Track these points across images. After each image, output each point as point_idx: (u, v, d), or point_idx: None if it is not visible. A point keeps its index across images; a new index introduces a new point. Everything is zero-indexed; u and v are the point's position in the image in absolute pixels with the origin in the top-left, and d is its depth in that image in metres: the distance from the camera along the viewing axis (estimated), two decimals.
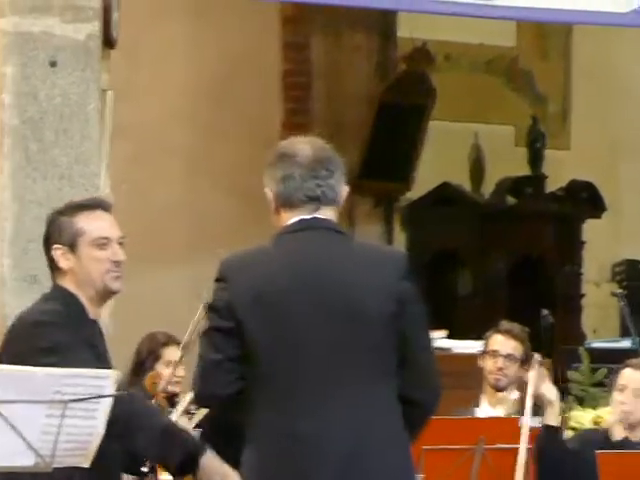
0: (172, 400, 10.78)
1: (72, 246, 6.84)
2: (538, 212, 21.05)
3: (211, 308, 6.21)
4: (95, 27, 11.92)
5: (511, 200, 21.03)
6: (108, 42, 12.04)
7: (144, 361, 11.79)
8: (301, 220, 5.75)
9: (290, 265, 5.79)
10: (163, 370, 11.35)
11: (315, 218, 5.82)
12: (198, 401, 7.33)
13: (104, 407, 5.97)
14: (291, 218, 5.82)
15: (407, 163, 19.71)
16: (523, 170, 21.07)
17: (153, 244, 16.28)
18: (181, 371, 10.80)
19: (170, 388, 10.88)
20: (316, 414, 5.93)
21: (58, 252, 6.45)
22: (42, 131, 11.77)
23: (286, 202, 5.81)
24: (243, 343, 5.77)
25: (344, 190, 5.79)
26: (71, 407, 5.68)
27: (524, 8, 15.01)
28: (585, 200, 20.97)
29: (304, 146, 5.56)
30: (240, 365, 6.04)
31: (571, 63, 21.72)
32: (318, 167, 5.62)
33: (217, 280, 5.99)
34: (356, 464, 5.96)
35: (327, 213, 5.93)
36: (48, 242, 7.20)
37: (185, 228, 17.78)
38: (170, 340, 11.79)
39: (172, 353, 11.31)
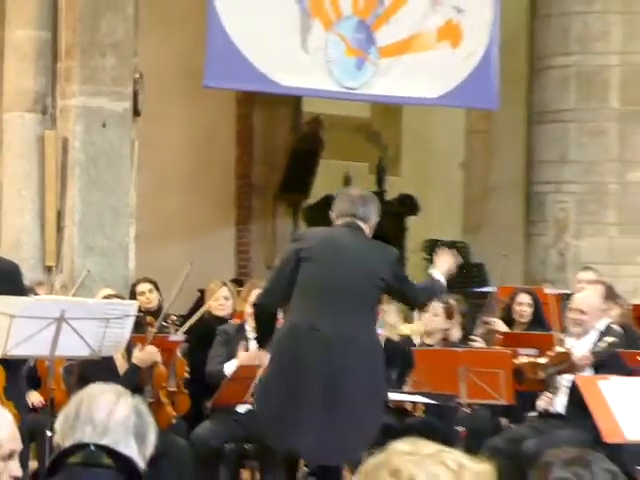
0: (155, 314, 10.18)
1: None
2: (384, 212, 19.71)
3: (285, 251, 8.36)
4: (128, 104, 12.18)
5: None
6: (136, 112, 12.44)
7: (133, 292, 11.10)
8: (345, 224, 7.99)
9: (334, 241, 8.07)
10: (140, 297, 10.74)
11: (354, 224, 7.97)
12: (259, 301, 8.52)
13: (130, 322, 7.93)
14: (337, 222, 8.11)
15: (307, 183, 19.00)
16: (373, 188, 19.87)
17: (163, 234, 15.74)
18: (155, 301, 10.81)
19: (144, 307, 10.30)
20: (329, 318, 7.57)
21: None
22: (97, 164, 11.81)
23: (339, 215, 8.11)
24: (297, 271, 7.78)
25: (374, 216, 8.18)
26: (111, 322, 7.64)
27: (372, 95, 15.33)
28: (408, 205, 20.25)
29: (354, 192, 8.23)
30: (287, 287, 8.04)
31: (402, 127, 20.87)
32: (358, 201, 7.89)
33: (294, 239, 8.46)
34: (348, 352, 7.63)
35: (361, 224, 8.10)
36: None
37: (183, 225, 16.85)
38: (142, 280, 11.49)
39: (142, 287, 11.05)
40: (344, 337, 7.55)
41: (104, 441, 3.44)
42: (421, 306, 9.09)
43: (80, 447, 3.45)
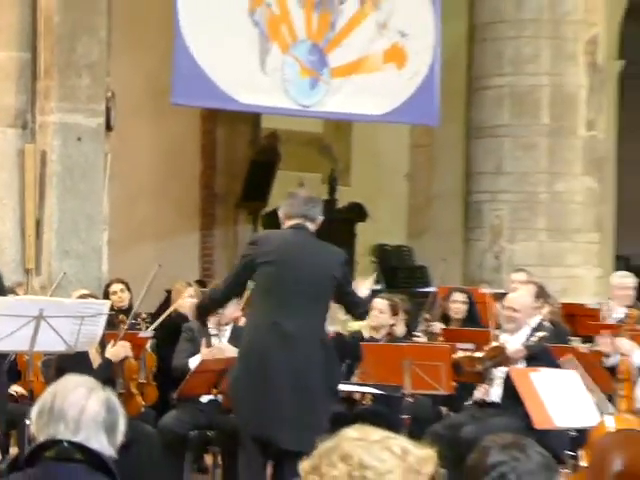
0: (126, 312, 10.17)
1: None
2: (333, 218, 19.70)
3: (244, 255, 8.22)
4: (102, 120, 12.10)
5: None
6: (109, 128, 12.33)
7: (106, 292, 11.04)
8: (296, 225, 7.84)
9: (290, 242, 7.92)
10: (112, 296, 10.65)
11: (304, 226, 7.83)
12: (215, 296, 8.70)
13: (103, 319, 7.98)
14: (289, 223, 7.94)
15: (266, 192, 18.80)
16: (325, 197, 19.63)
17: (133, 239, 15.63)
18: (126, 300, 10.83)
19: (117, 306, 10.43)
20: (289, 315, 7.54)
21: None
22: (72, 175, 11.72)
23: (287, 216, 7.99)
24: (255, 272, 7.78)
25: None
26: (86, 319, 7.65)
27: (325, 112, 15.45)
28: (357, 212, 20.29)
29: (302, 194, 7.93)
30: (241, 288, 8.49)
31: (351, 141, 20.88)
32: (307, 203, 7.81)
33: (251, 243, 8.19)
34: (307, 346, 7.67)
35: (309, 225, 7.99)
36: None
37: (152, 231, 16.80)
38: (115, 280, 11.46)
39: (115, 287, 11.03)
40: (304, 333, 7.56)
41: (76, 438, 3.46)
42: (361, 314, 9.02)
43: (54, 442, 3.47)
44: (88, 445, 3.46)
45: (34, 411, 3.61)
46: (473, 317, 12.02)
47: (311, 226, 8.04)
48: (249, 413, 7.64)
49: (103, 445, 3.52)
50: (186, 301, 10.53)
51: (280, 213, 8.19)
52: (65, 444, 3.45)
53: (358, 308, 8.66)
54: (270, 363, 7.56)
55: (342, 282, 7.94)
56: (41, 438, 3.52)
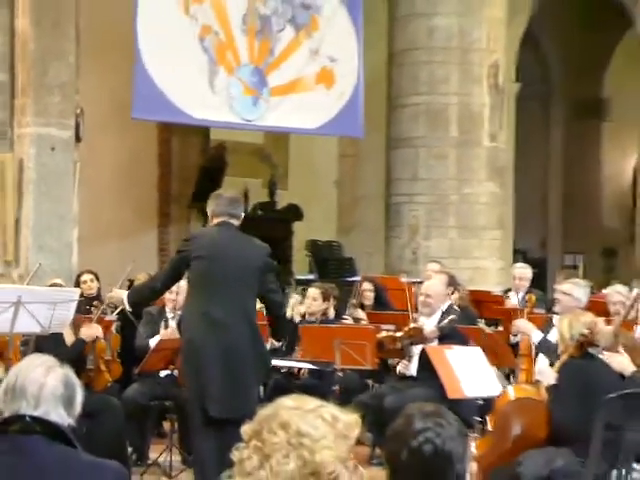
0: (94, 299, 10.16)
1: None
2: (273, 218, 19.54)
3: (179, 251, 7.97)
4: (72, 132, 12.01)
5: (261, 212, 19.24)
6: (78, 139, 12.23)
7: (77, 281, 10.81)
8: (224, 222, 7.62)
9: (220, 238, 7.65)
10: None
11: (231, 223, 7.65)
12: (153, 285, 8.31)
13: (73, 305, 7.98)
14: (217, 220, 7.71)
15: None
16: (266, 199, 19.63)
17: (99, 236, 15.40)
18: (95, 288, 10.65)
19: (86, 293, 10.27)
20: (218, 304, 7.38)
21: None
22: (46, 181, 11.64)
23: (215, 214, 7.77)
24: (190, 266, 7.57)
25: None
26: (58, 305, 7.63)
27: (265, 126, 15.53)
28: (294, 212, 20.15)
29: (227, 194, 7.77)
30: (175, 280, 8.18)
31: (289, 151, 20.36)
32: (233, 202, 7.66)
33: (185, 240, 8.02)
34: (235, 329, 7.53)
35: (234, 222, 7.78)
36: None
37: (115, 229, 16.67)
38: (86, 271, 11.11)
39: (85, 277, 10.77)
40: (232, 318, 7.48)
41: (37, 412, 3.47)
42: (277, 315, 8.89)
43: (18, 417, 3.48)
44: (48, 418, 3.47)
45: (0, 390, 3.62)
46: (381, 302, 12.06)
47: (236, 222, 7.91)
48: (194, 390, 7.59)
49: (62, 417, 3.54)
50: None
51: (208, 212, 8.04)
52: (27, 418, 3.47)
53: (279, 309, 8.54)
54: (203, 346, 7.49)
55: (266, 272, 7.85)
56: (6, 414, 3.53)
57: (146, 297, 8.62)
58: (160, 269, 9.40)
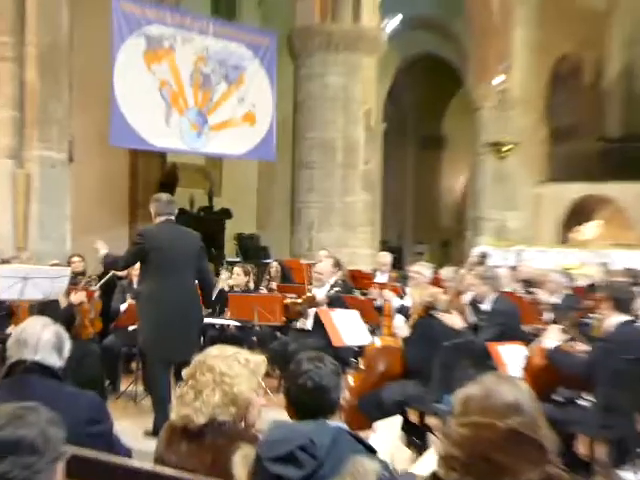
0: (81, 274, 10.09)
1: None
2: (211, 218, 18.49)
3: (136, 243, 7.64)
4: (66, 154, 11.62)
5: (202, 213, 18.47)
6: (71, 159, 11.87)
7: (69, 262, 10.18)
8: (166, 220, 7.43)
9: (166, 232, 7.38)
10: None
11: (171, 219, 7.49)
12: (119, 262, 8.01)
13: (66, 279, 7.96)
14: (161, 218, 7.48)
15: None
16: (206, 204, 19.54)
17: (85, 230, 14.81)
18: (81, 267, 10.34)
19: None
20: (170, 282, 7.22)
21: None
22: (47, 190, 11.12)
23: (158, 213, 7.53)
24: (147, 255, 7.26)
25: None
26: (55, 279, 7.68)
27: (206, 152, 15.60)
28: (226, 213, 19.97)
29: (164, 197, 7.56)
30: (135, 262, 7.82)
31: (223, 169, 20.71)
32: (170, 203, 7.47)
33: (140, 235, 7.60)
34: (184, 298, 7.43)
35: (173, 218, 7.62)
36: None
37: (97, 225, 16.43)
38: (75, 254, 10.69)
39: (75, 259, 10.42)
40: (183, 289, 7.39)
41: (36, 358, 3.53)
42: (208, 289, 8.78)
43: (22, 361, 3.53)
44: (44, 362, 3.54)
45: (9, 341, 3.66)
46: (286, 278, 11.95)
47: (173, 218, 7.76)
48: (155, 341, 7.45)
49: (55, 360, 3.59)
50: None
51: (151, 211, 7.74)
52: (28, 363, 3.52)
53: (209, 286, 8.47)
54: (164, 312, 7.35)
55: (201, 255, 7.75)
56: (14, 359, 3.57)
57: (112, 268, 8.60)
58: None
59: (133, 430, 6.68)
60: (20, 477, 1.95)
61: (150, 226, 7.71)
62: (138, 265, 8.79)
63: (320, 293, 9.33)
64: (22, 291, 7.29)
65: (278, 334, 9.90)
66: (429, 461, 3.06)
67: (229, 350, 3.16)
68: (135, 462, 3.03)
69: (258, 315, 9.51)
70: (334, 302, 8.99)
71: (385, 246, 19.38)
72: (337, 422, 2.82)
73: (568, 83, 22.41)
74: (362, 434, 3.01)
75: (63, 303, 8.41)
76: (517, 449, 2.13)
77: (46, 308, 7.40)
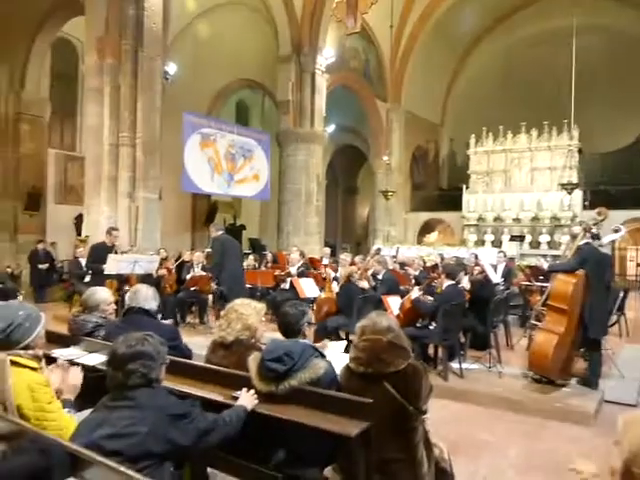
0: (165, 260, 9.49)
1: None
2: (235, 229, 18.10)
3: (218, 245, 7.26)
4: (157, 196, 10.33)
5: (230, 227, 18.19)
6: (160, 198, 10.69)
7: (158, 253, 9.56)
8: (222, 232, 7.49)
9: (229, 239, 7.53)
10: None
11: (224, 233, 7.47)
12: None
13: (156, 264, 7.83)
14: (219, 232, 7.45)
15: (212, 220, 18.87)
16: (232, 221, 19.39)
17: (169, 236, 14.99)
18: (164, 256, 9.57)
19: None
20: (238, 267, 7.39)
21: None
22: (148, 215, 9.96)
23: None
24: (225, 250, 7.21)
25: None
26: (151, 263, 7.61)
27: (232, 194, 15.09)
28: (243, 227, 18.73)
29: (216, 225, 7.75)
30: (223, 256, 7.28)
31: (242, 204, 19.90)
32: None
33: (216, 240, 7.38)
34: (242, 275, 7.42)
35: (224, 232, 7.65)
36: None
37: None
38: (161, 249, 9.89)
39: (161, 252, 9.71)
40: (241, 271, 7.64)
41: (144, 305, 3.35)
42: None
43: (134, 307, 3.35)
44: (146, 307, 3.36)
45: (127, 295, 3.47)
46: (275, 261, 11.23)
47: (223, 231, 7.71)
48: (230, 292, 7.00)
49: (153, 306, 3.40)
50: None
51: (212, 229, 7.63)
52: (138, 307, 3.35)
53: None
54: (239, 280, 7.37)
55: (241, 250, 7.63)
56: (132, 304, 3.39)
57: (216, 267, 7.68)
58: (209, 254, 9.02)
59: (194, 342, 6.49)
60: (144, 371, 2.05)
61: (218, 235, 7.47)
62: (198, 253, 8.71)
63: (293, 270, 9.16)
64: (133, 268, 7.08)
65: (271, 292, 9.68)
66: (335, 349, 3.13)
67: (246, 301, 3.07)
68: (195, 362, 2.94)
69: (261, 280, 9.44)
70: (300, 275, 8.84)
71: (327, 245, 19.00)
72: (305, 340, 2.69)
73: (421, 160, 23.13)
74: (318, 346, 2.90)
75: (156, 275, 8.24)
76: (393, 351, 2.32)
77: (145, 278, 7.21)
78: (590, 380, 5.14)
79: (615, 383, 5.42)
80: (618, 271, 18.63)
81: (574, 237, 5.39)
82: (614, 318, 7.58)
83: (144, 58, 9.73)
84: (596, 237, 5.20)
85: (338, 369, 2.51)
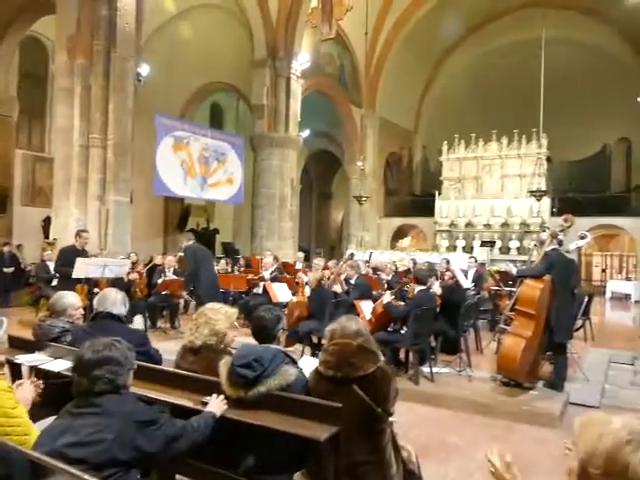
0: (135, 264, 9.49)
1: None
2: (208, 233, 18.40)
3: (189, 254, 7.56)
4: (128, 199, 10.27)
5: (203, 231, 18.48)
6: (131, 201, 10.86)
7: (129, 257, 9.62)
8: (194, 242, 7.37)
9: (200, 247, 7.41)
10: None
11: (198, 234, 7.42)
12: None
13: (127, 267, 7.70)
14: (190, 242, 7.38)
15: (184, 226, 18.19)
16: (206, 225, 19.73)
17: (139, 240, 14.50)
18: (135, 260, 9.50)
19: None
20: (213, 273, 7.36)
21: None
22: (118, 218, 9.90)
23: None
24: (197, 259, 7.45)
25: None
26: (121, 267, 7.32)
27: (206, 198, 14.86)
28: (216, 231, 18.98)
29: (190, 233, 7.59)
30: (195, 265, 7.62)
31: (215, 208, 19.67)
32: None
33: (188, 249, 7.50)
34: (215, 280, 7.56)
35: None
36: None
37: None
38: (131, 253, 9.88)
39: (132, 256, 9.68)
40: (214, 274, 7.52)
41: (113, 310, 3.29)
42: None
43: (103, 311, 3.29)
44: (115, 312, 3.30)
45: (95, 299, 3.43)
46: (248, 265, 11.31)
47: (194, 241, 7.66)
48: (207, 297, 7.03)
49: (121, 311, 3.33)
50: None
51: (183, 239, 7.58)
52: (106, 312, 3.29)
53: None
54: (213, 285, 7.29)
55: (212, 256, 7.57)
56: (99, 309, 3.32)
57: (190, 277, 7.89)
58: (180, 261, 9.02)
59: (164, 347, 6.37)
60: (111, 377, 2.01)
61: (189, 244, 7.40)
62: (170, 257, 8.58)
63: (266, 274, 9.13)
64: (103, 272, 6.92)
65: (244, 296, 9.63)
66: (306, 361, 3.08)
67: (217, 305, 3.02)
68: (164, 368, 2.90)
69: (234, 284, 9.36)
70: (274, 279, 8.82)
71: (301, 249, 19.07)
72: (276, 345, 2.66)
73: (394, 166, 23.32)
74: (290, 350, 2.89)
75: (126, 280, 8.08)
76: (363, 355, 2.32)
77: (115, 282, 7.07)
78: (556, 383, 5.19)
79: (580, 386, 5.50)
80: (584, 276, 19.17)
81: (542, 243, 5.45)
82: (580, 322, 7.72)
83: (116, 59, 9.58)
84: (560, 243, 5.27)
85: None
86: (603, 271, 19.52)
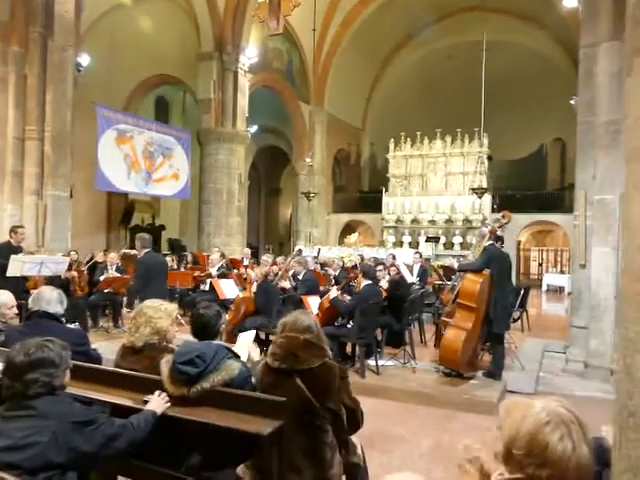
0: (75, 262, 9.05)
1: None
2: (154, 229, 17.79)
3: (142, 268, 6.19)
4: (68, 194, 9.75)
5: (149, 227, 18.00)
6: (71, 196, 10.27)
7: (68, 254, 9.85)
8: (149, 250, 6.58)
9: (154, 257, 6.62)
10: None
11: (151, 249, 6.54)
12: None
13: (65, 265, 7.47)
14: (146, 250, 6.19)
15: (129, 223, 17.94)
16: (151, 221, 19.30)
17: (79, 236, 13.95)
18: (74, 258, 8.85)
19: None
20: (163, 289, 6.08)
21: None
22: (57, 213, 9.40)
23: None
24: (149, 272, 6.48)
25: None
26: (59, 264, 7.34)
27: (151, 194, 14.66)
28: (162, 228, 18.65)
29: (147, 235, 7.19)
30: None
31: (160, 204, 19.32)
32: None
33: (141, 260, 6.40)
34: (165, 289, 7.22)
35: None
36: None
37: None
38: (71, 250, 9.61)
39: (72, 254, 8.87)
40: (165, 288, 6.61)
41: (48, 308, 3.21)
42: None
43: (38, 310, 3.19)
44: (51, 311, 3.22)
45: (30, 298, 3.32)
46: (195, 262, 11.24)
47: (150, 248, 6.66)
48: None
49: (58, 310, 3.25)
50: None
51: (138, 244, 6.48)
52: (42, 311, 3.20)
53: None
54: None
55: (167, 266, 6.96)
56: (34, 308, 3.23)
57: (135, 291, 6.91)
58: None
59: (106, 346, 6.21)
60: (45, 380, 1.96)
61: (144, 255, 6.60)
62: (113, 254, 8.30)
63: (213, 271, 9.07)
64: (39, 270, 6.76)
65: (190, 293, 9.48)
66: (245, 336, 3.09)
67: (156, 302, 2.96)
68: (103, 367, 2.84)
69: (179, 281, 9.23)
70: (221, 276, 8.75)
71: (248, 245, 18.98)
72: (218, 341, 2.64)
73: (343, 163, 23.64)
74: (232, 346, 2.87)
75: (64, 277, 7.80)
76: (309, 350, 2.36)
77: (53, 280, 6.85)
78: (494, 372, 5.39)
79: (516, 374, 5.72)
80: (522, 270, 20.10)
81: (483, 237, 5.63)
82: (517, 314, 8.01)
83: (54, 47, 9.15)
84: (498, 239, 5.49)
85: (245, 356, 2.51)
86: (540, 265, 20.42)
